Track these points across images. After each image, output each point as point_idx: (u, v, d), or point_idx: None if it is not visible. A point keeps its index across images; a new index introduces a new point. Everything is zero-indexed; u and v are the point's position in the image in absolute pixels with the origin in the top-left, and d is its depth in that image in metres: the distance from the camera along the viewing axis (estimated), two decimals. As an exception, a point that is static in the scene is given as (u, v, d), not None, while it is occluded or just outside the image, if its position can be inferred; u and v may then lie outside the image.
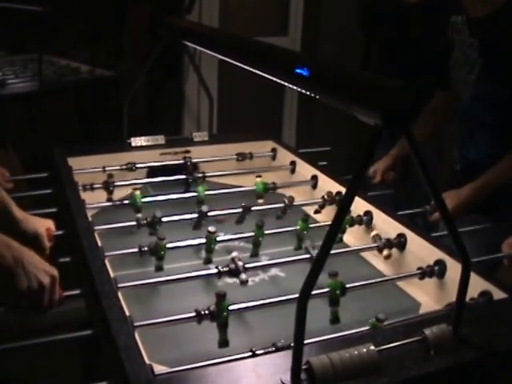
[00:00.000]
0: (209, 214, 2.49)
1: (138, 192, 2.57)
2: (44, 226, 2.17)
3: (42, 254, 2.08)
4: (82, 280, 2.00)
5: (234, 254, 2.14)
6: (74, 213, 2.34)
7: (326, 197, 2.66)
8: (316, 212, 2.67)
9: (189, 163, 3.03)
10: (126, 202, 2.58)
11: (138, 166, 2.97)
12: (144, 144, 3.14)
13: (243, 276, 2.04)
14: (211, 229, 2.24)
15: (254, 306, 1.84)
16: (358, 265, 2.33)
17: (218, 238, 2.28)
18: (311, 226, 2.42)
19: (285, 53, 1.88)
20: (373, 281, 2.03)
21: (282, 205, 2.63)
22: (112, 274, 1.99)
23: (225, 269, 2.00)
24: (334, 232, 1.35)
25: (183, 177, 2.91)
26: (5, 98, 4.28)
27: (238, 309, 1.80)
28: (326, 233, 1.33)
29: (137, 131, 3.20)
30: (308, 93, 1.64)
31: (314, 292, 1.80)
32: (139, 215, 2.47)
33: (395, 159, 3.17)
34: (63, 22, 4.61)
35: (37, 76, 4.45)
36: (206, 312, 1.72)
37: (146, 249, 2.15)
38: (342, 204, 1.35)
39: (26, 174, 2.99)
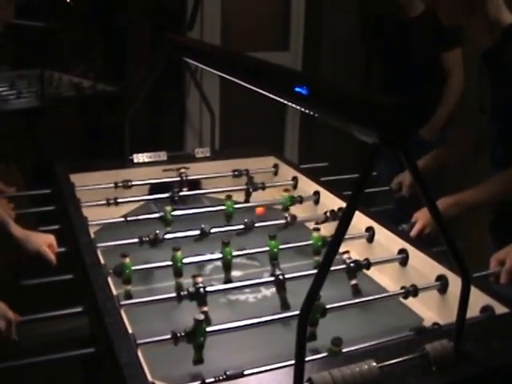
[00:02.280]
0: (211, 231, 2.48)
1: (169, 207, 2.61)
2: (46, 242, 2.18)
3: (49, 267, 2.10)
4: (84, 297, 2.00)
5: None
6: (77, 230, 2.35)
7: (328, 214, 2.67)
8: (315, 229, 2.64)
9: (184, 178, 3.04)
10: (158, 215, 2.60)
11: (138, 182, 2.98)
12: (146, 160, 3.14)
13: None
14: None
15: (236, 327, 1.83)
16: (361, 281, 2.33)
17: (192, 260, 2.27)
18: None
19: (284, 71, 1.89)
20: (351, 301, 2.00)
21: (283, 221, 2.63)
22: (115, 292, 1.99)
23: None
24: (334, 250, 1.35)
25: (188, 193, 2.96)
26: (7, 113, 4.29)
27: (218, 330, 1.78)
28: (326, 250, 1.34)
29: (139, 147, 3.21)
30: (307, 111, 1.65)
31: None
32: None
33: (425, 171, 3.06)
34: (63, 37, 4.64)
35: (39, 92, 4.47)
36: (182, 334, 1.72)
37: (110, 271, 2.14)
38: (341, 224, 1.35)
39: (28, 190, 2.99)
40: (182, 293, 1.94)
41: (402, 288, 2.08)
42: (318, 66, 5.17)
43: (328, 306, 1.89)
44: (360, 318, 2.03)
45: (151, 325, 1.95)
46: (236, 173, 3.15)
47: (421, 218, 2.52)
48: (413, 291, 2.06)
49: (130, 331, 1.75)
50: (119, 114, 4.10)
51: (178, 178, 3.03)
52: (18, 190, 2.86)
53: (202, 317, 1.74)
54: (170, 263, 2.20)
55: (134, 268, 2.15)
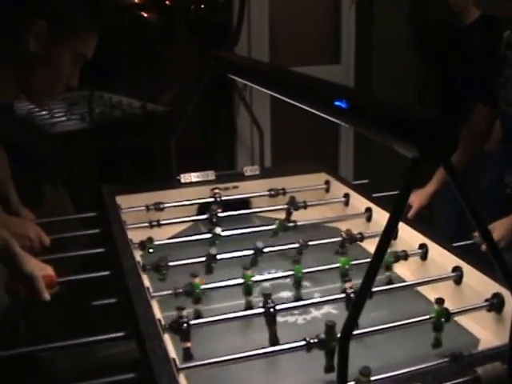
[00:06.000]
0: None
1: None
2: (41, 269, 2.10)
3: (35, 296, 2.03)
4: (128, 321, 1.97)
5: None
6: (120, 252, 2.33)
7: (344, 235, 2.62)
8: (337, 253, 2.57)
9: (219, 199, 2.98)
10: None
11: (185, 203, 2.96)
12: (194, 180, 3.11)
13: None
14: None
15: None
16: (413, 299, 2.26)
17: (256, 278, 2.23)
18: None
19: (324, 85, 1.85)
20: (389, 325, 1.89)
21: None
22: (160, 315, 1.97)
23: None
24: (375, 269, 1.30)
25: (237, 212, 2.91)
26: (56, 136, 4.32)
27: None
28: (366, 270, 1.29)
29: (190, 167, 3.19)
30: (347, 125, 1.61)
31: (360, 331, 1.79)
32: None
33: (431, 196, 3.07)
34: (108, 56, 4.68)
35: (88, 113, 4.49)
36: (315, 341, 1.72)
37: (180, 290, 2.12)
38: (382, 239, 1.30)
39: (78, 212, 2.98)
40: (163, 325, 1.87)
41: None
42: (371, 78, 5.12)
43: (366, 330, 1.84)
44: (410, 339, 1.96)
45: (195, 349, 1.89)
46: (272, 192, 3.10)
47: (497, 228, 2.48)
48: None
49: (172, 356, 1.71)
50: (150, 135, 4.11)
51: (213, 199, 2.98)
52: (66, 212, 2.86)
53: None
54: (239, 281, 2.18)
55: (203, 287, 2.14)
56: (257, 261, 2.44)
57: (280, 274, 2.32)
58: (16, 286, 2.02)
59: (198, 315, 2.08)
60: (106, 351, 2.42)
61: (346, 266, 2.30)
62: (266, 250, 2.46)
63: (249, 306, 2.15)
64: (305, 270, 2.29)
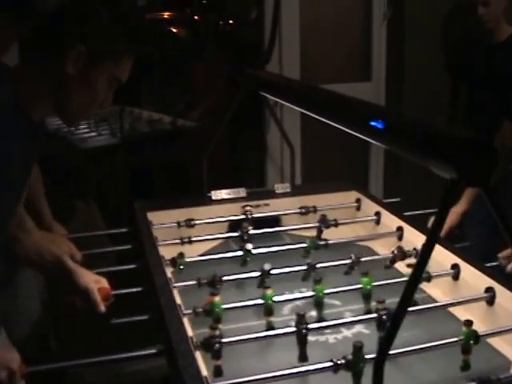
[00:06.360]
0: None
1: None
2: (96, 281, 2.13)
3: (92, 308, 2.06)
4: (160, 338, 1.97)
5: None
6: (152, 269, 2.33)
7: (395, 252, 2.58)
8: (409, 266, 2.57)
9: (250, 216, 2.97)
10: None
11: (216, 219, 2.95)
12: (225, 197, 3.12)
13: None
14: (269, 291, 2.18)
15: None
16: (445, 320, 2.24)
17: (282, 298, 2.23)
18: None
19: (359, 104, 1.85)
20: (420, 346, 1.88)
21: (349, 261, 2.54)
22: (191, 333, 1.96)
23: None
24: (412, 291, 1.29)
25: (268, 230, 2.90)
26: (86, 151, 4.33)
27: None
28: (403, 291, 1.28)
29: (220, 183, 3.19)
30: (383, 145, 1.60)
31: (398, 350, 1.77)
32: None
33: (462, 216, 3.06)
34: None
35: (118, 129, 4.50)
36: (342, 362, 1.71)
37: (200, 310, 2.10)
38: (419, 261, 1.29)
39: (108, 228, 2.99)
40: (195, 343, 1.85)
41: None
42: (401, 95, 5.09)
43: (398, 351, 1.81)
44: (442, 360, 1.93)
45: (227, 367, 1.88)
46: (303, 210, 3.09)
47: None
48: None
49: (204, 374, 1.70)
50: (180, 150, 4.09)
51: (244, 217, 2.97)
52: (97, 227, 2.86)
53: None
54: (260, 302, 2.16)
55: (224, 307, 2.12)
56: (265, 281, 2.37)
57: (303, 294, 2.31)
58: (72, 298, 2.07)
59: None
60: (134, 366, 2.42)
61: (368, 287, 2.28)
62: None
63: (270, 327, 2.11)
64: (332, 290, 2.28)
